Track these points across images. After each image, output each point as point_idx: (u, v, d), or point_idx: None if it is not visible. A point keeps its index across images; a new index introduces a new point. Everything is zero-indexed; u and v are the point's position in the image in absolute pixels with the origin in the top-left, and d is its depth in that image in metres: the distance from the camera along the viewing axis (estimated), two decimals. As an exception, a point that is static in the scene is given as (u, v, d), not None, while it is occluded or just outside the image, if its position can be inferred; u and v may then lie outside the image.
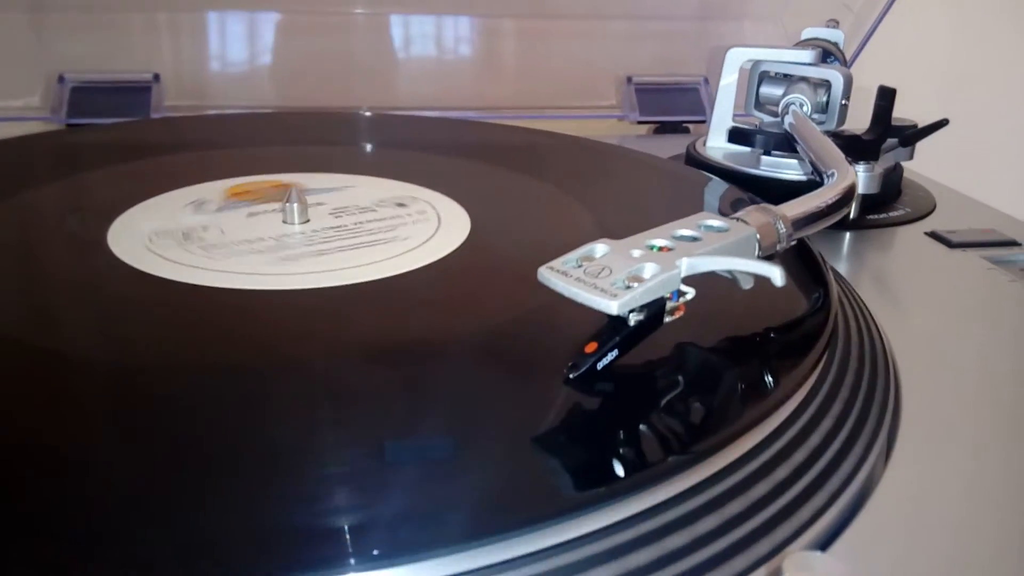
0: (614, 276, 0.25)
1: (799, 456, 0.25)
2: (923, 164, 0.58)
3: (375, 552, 0.19)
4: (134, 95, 0.63)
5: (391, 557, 0.19)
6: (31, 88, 0.64)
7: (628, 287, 0.25)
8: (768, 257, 0.30)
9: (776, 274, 0.26)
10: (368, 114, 0.65)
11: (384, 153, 0.54)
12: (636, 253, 0.27)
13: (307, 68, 0.70)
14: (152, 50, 0.66)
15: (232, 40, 0.68)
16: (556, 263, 0.26)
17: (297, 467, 0.22)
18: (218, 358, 0.29)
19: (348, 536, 0.20)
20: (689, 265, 0.26)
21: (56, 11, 0.63)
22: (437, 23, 0.71)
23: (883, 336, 0.36)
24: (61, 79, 0.63)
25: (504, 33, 0.74)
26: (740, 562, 0.22)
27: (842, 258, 0.47)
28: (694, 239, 0.28)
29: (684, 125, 0.74)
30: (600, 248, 0.27)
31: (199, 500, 0.21)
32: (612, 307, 0.24)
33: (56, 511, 0.20)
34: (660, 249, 0.28)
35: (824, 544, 0.24)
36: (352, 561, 0.19)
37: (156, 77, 0.65)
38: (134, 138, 0.55)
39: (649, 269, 0.26)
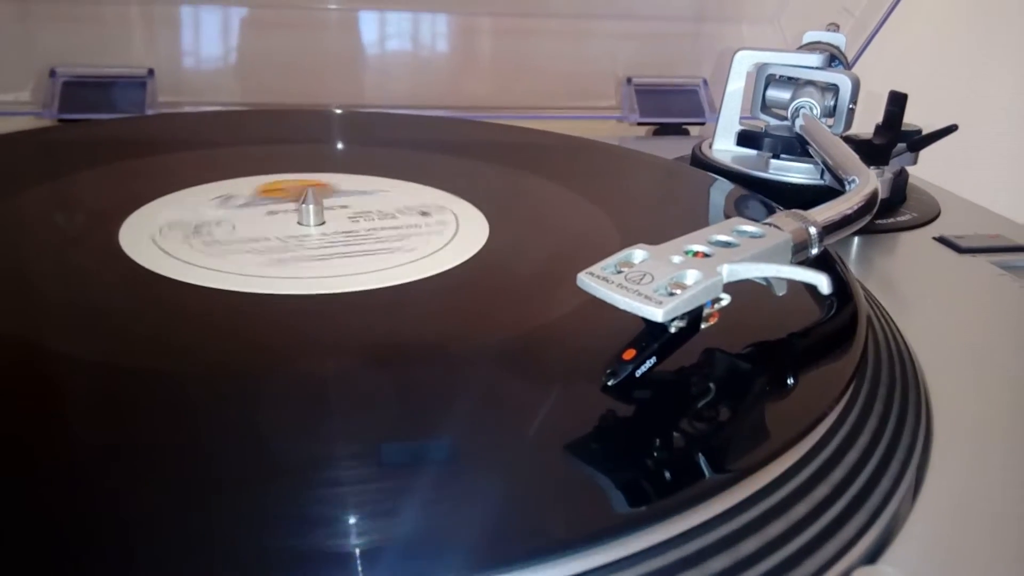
0: (656, 282, 0.25)
1: (838, 474, 0.25)
2: (920, 168, 0.58)
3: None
4: (128, 90, 0.62)
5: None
6: (21, 82, 0.62)
7: (671, 294, 0.25)
8: (800, 263, 0.30)
9: (823, 282, 0.25)
10: (401, 113, 0.63)
11: (419, 156, 0.53)
12: (676, 259, 0.26)
13: (303, 64, 0.69)
14: (140, 45, 0.65)
15: (223, 36, 0.67)
16: (595, 268, 0.26)
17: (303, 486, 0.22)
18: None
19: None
20: (731, 271, 0.26)
21: (44, 2, 0.62)
22: (455, 23, 0.70)
23: (907, 343, 0.35)
24: (52, 73, 0.62)
25: (501, 33, 0.73)
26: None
27: (851, 262, 0.46)
28: (730, 244, 0.28)
29: (683, 127, 0.73)
30: (639, 254, 0.26)
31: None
32: (658, 314, 0.24)
33: (42, 516, 0.20)
34: (696, 254, 0.27)
35: (871, 559, 0.24)
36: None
37: (151, 72, 0.63)
38: (155, 133, 0.55)
39: (691, 276, 0.25)
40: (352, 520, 0.21)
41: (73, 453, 0.23)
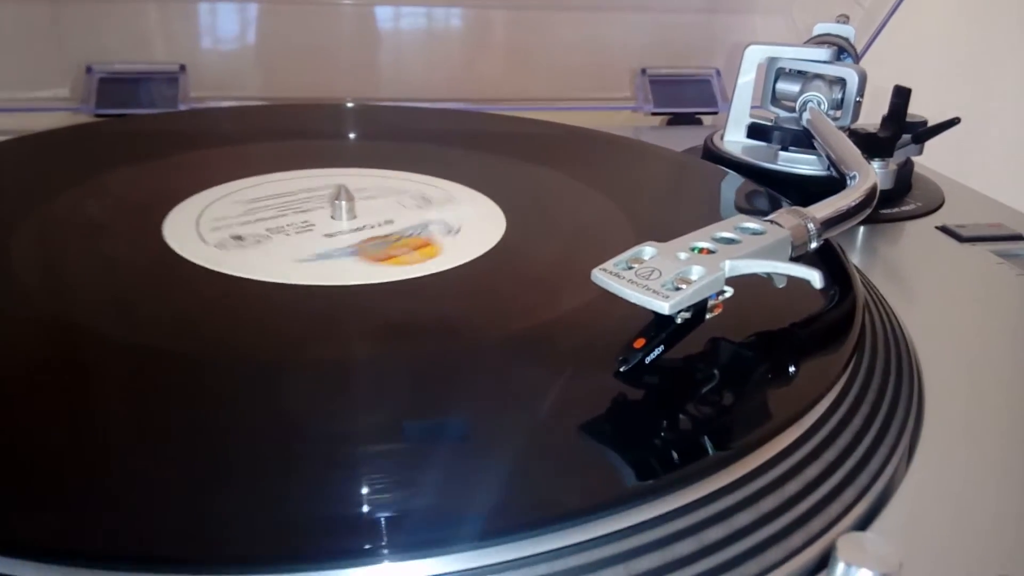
0: (663, 278, 0.27)
1: (842, 441, 0.27)
2: (928, 157, 0.60)
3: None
4: (161, 86, 0.65)
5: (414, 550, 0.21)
6: (60, 79, 0.65)
7: (677, 288, 0.27)
8: (799, 257, 0.32)
9: (816, 277, 0.28)
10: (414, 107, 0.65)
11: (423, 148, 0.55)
12: (682, 256, 0.28)
13: (323, 57, 0.71)
14: (169, 41, 0.67)
15: (246, 31, 0.69)
16: (608, 265, 0.28)
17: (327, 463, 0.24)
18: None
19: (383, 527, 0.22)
20: (732, 267, 0.28)
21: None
22: (471, 16, 0.72)
23: (904, 329, 0.37)
24: (89, 70, 0.64)
25: (517, 24, 0.75)
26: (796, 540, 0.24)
27: (856, 251, 0.48)
28: (733, 241, 0.30)
29: (697, 116, 0.75)
30: (648, 250, 0.29)
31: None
32: (664, 308, 0.26)
33: (73, 496, 0.22)
34: (701, 251, 0.29)
35: (861, 527, 0.26)
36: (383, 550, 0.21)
37: (182, 67, 0.66)
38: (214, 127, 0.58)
39: (696, 271, 0.28)
40: (369, 491, 0.23)
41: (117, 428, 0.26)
